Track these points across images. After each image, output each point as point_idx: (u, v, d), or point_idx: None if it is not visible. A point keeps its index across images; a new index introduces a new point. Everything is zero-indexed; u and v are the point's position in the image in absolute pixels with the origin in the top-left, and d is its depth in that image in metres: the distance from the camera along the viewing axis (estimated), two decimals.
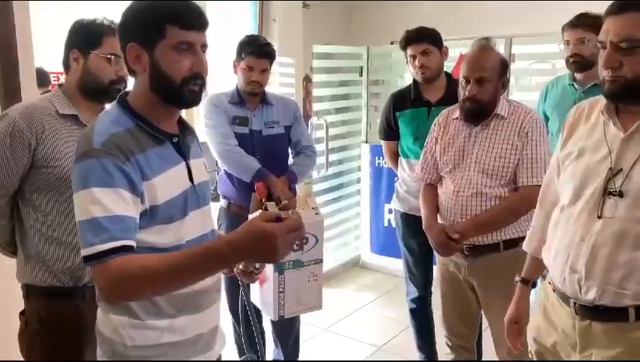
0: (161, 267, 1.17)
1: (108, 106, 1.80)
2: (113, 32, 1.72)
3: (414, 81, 2.84)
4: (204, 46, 1.32)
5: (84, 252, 1.19)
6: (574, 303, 1.50)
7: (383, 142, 3.08)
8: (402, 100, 2.88)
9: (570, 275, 1.49)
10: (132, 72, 1.34)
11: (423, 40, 2.71)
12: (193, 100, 1.34)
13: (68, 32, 1.77)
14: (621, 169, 1.43)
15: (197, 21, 1.29)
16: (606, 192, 1.43)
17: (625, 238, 1.40)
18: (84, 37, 1.74)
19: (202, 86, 1.33)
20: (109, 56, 1.73)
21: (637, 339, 1.43)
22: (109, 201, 1.19)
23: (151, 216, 1.28)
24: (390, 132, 2.95)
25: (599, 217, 1.44)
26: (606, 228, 1.43)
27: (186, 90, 1.30)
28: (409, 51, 2.76)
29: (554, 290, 1.59)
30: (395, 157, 3.00)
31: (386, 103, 3.00)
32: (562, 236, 1.54)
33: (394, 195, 3.04)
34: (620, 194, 1.41)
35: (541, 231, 1.71)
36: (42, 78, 3.15)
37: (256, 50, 2.57)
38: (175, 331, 1.35)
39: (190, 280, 1.23)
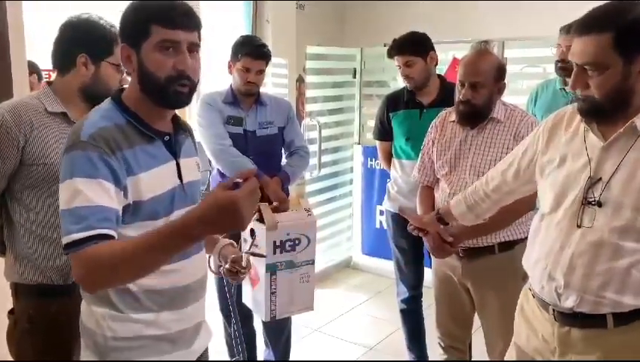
0: (130, 248, 1.17)
1: None
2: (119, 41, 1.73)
3: None
4: (194, 45, 1.31)
5: (64, 240, 1.19)
6: (553, 310, 1.51)
7: (377, 143, 3.11)
8: (396, 102, 2.91)
9: (548, 283, 1.50)
10: (128, 73, 1.36)
11: (405, 52, 2.74)
12: (179, 101, 1.33)
13: (68, 32, 1.74)
14: (600, 178, 1.43)
15: (182, 20, 1.28)
16: (585, 201, 1.44)
17: (603, 248, 1.41)
18: (96, 44, 1.72)
19: (191, 87, 1.32)
20: (119, 65, 1.74)
21: (615, 345, 1.44)
22: (90, 191, 1.20)
23: (134, 211, 1.29)
24: (384, 132, 2.98)
25: (578, 226, 1.45)
26: (584, 237, 1.43)
27: (171, 90, 1.29)
28: (395, 61, 2.80)
29: (534, 296, 1.61)
30: (388, 157, 3.02)
31: (380, 104, 3.03)
32: (542, 244, 1.55)
33: (385, 196, 3.05)
34: (599, 204, 1.41)
35: (475, 206, 1.91)
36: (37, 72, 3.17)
37: (252, 52, 2.57)
38: (157, 325, 1.36)
39: (161, 258, 1.21)
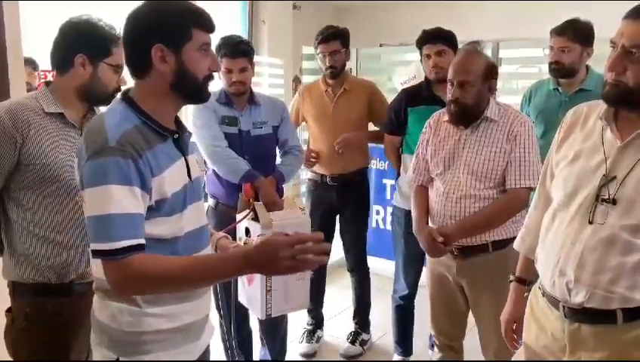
0: (176, 269, 1.28)
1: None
2: (118, 42, 1.75)
3: (427, 78, 2.87)
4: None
5: (100, 246, 1.24)
6: (563, 306, 1.51)
7: (385, 136, 3.06)
8: (415, 96, 2.88)
9: (559, 278, 1.50)
10: (138, 72, 1.38)
11: (438, 41, 2.75)
12: (208, 96, 1.45)
13: (67, 33, 1.75)
14: (615, 176, 1.43)
15: (213, 24, 1.40)
16: (598, 199, 1.44)
17: (614, 244, 1.41)
18: (95, 44, 1.74)
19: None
20: (116, 66, 1.77)
21: (625, 342, 1.44)
22: (125, 199, 1.24)
23: (156, 208, 1.33)
24: (397, 126, 2.94)
25: (590, 223, 1.45)
26: (596, 233, 1.44)
27: (205, 87, 1.42)
28: (424, 50, 2.80)
29: (543, 294, 1.61)
30: (396, 151, 3.00)
31: (396, 97, 3.01)
32: (553, 240, 1.55)
33: (395, 193, 3.04)
34: (613, 202, 1.41)
35: (534, 231, 1.71)
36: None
37: (229, 51, 2.54)
38: (172, 317, 1.40)
39: (200, 285, 1.38)
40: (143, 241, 1.27)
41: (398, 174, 3.03)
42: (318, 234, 1.30)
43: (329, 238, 3.27)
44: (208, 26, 1.38)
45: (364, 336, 3.42)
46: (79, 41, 1.74)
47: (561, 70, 2.76)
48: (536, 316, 1.65)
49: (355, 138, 3.16)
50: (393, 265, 3.14)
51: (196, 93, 1.41)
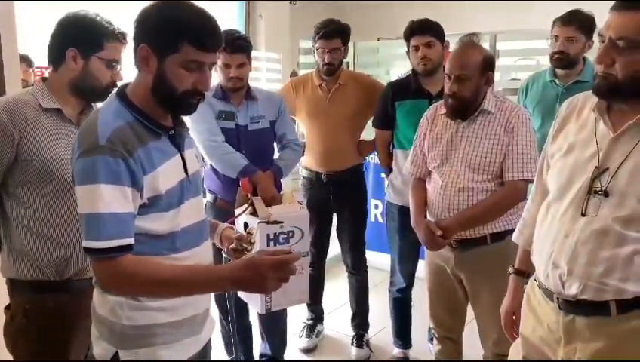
0: (164, 276, 1.29)
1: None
2: (115, 37, 1.74)
3: (414, 72, 2.83)
4: (212, 64, 1.37)
5: (89, 244, 1.25)
6: (557, 298, 1.51)
7: (375, 131, 3.04)
8: (402, 90, 2.84)
9: (552, 271, 1.51)
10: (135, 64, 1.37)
11: (427, 32, 2.71)
12: (188, 111, 1.41)
13: (61, 27, 1.74)
14: (607, 168, 1.43)
15: (213, 43, 1.33)
16: (591, 191, 1.44)
17: (607, 236, 1.41)
18: (86, 38, 1.72)
19: (201, 99, 1.38)
20: (109, 61, 1.75)
21: (619, 333, 1.44)
22: (114, 199, 1.25)
23: (151, 205, 1.33)
24: (386, 121, 2.91)
25: (583, 215, 1.45)
26: (588, 225, 1.44)
27: (184, 102, 1.37)
28: (412, 42, 2.75)
29: (539, 286, 1.61)
30: (387, 147, 2.98)
31: (383, 92, 2.96)
32: (547, 232, 1.55)
33: (388, 188, 3.02)
34: (605, 194, 1.41)
35: (532, 223, 1.70)
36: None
37: (227, 46, 2.49)
38: (172, 311, 1.40)
39: (184, 294, 1.37)
40: (131, 241, 1.27)
41: (390, 170, 3.01)
42: (297, 254, 1.32)
43: (326, 236, 3.27)
44: (205, 45, 1.30)
45: (367, 336, 3.39)
46: (70, 35, 1.73)
47: (564, 60, 2.74)
48: (533, 307, 1.65)
49: (371, 143, 3.18)
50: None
51: (173, 104, 1.37)
